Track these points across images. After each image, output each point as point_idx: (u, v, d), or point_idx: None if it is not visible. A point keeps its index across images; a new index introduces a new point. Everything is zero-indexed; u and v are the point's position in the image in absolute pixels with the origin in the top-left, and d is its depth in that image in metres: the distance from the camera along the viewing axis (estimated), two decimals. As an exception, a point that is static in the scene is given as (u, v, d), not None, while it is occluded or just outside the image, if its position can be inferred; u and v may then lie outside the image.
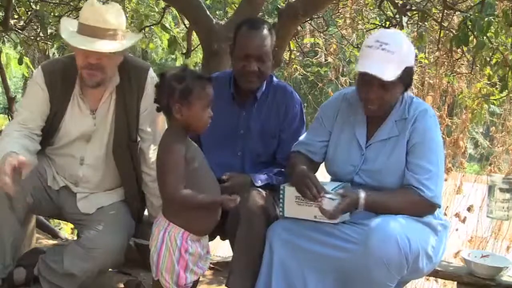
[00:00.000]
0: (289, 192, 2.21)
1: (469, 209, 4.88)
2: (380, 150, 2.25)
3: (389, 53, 2.10)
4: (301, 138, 2.48)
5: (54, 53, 7.82)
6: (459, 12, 3.85)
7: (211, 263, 3.27)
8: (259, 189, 2.37)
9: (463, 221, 4.82)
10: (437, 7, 4.18)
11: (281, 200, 2.24)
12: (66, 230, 5.08)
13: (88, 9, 2.32)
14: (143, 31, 5.29)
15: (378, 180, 2.22)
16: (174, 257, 2.09)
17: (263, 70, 2.46)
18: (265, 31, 2.46)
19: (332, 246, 2.15)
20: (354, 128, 2.32)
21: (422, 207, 2.17)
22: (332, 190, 2.15)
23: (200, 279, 2.32)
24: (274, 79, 2.65)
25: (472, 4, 3.96)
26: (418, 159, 2.17)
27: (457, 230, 4.81)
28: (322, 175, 2.34)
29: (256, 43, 2.43)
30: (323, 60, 5.74)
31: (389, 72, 2.10)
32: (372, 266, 1.99)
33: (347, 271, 2.10)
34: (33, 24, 5.49)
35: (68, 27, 2.33)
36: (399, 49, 2.13)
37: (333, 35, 5.74)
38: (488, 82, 4.58)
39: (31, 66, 6.94)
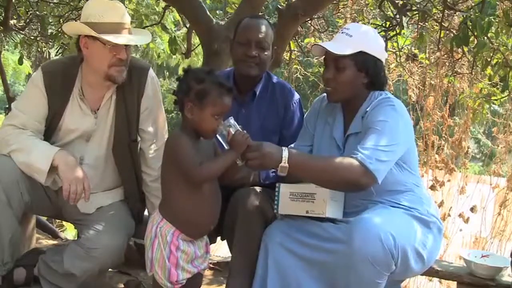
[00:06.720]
0: (284, 189, 2.25)
1: (472, 209, 4.85)
2: (352, 148, 2.17)
3: (347, 36, 2.20)
4: (291, 145, 2.48)
5: (58, 49, 7.81)
6: (459, 12, 3.84)
7: (211, 263, 3.28)
8: (256, 189, 2.36)
9: (466, 221, 4.80)
10: (438, 7, 4.16)
11: (276, 198, 2.27)
12: (69, 229, 5.07)
13: (104, 7, 2.32)
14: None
15: None
16: (165, 252, 2.07)
17: (262, 58, 2.51)
18: (265, 23, 2.55)
19: (321, 250, 2.14)
20: (332, 128, 2.32)
21: (354, 170, 1.99)
22: None
23: (200, 279, 2.31)
24: (273, 77, 2.68)
25: (472, 4, 3.95)
26: (367, 137, 2.08)
27: (461, 230, 4.79)
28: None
29: (257, 29, 2.51)
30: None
31: (338, 48, 2.15)
32: (357, 264, 1.98)
33: (337, 272, 2.09)
34: (33, 24, 5.49)
35: (90, 31, 2.29)
36: (358, 34, 2.21)
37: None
38: (489, 83, 4.57)
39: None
